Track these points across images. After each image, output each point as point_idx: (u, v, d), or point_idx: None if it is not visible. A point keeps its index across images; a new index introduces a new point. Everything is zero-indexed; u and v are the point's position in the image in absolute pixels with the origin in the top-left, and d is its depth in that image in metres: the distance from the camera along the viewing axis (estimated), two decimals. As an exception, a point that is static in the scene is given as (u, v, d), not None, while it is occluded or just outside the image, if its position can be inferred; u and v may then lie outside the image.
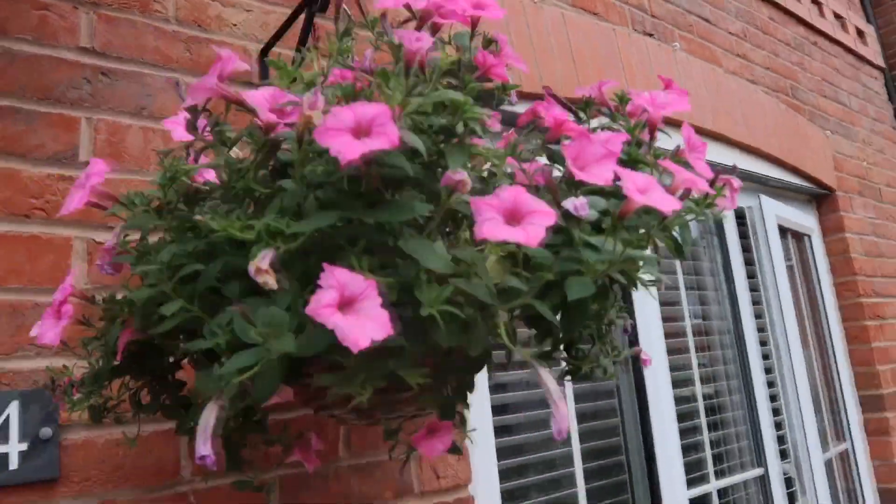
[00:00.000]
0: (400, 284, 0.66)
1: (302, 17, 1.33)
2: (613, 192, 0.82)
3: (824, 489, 2.68)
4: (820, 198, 3.36)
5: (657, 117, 0.96)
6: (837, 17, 3.91)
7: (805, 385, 2.80)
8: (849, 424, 3.07)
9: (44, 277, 1.12)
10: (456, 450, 0.95)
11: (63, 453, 1.08)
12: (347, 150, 0.63)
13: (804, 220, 3.17)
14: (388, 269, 0.68)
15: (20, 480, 1.03)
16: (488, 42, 1.02)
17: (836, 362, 3.13)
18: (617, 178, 0.71)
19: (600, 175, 0.74)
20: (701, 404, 2.46)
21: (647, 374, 2.14)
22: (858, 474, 3.01)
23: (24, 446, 1.04)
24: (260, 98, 0.80)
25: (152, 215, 0.82)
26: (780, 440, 2.71)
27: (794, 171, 3.05)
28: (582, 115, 1.06)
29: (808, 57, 3.50)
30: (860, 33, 4.11)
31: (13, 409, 1.05)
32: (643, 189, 0.72)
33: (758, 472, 2.60)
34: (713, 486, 2.37)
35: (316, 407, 0.96)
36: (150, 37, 1.33)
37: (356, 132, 0.66)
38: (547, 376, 0.72)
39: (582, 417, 2.04)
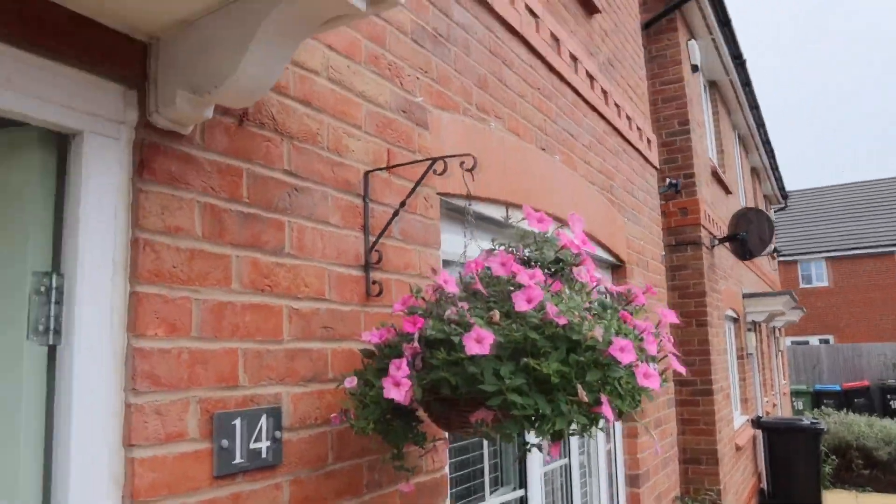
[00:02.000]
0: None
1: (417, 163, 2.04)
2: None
3: (604, 474, 3.91)
4: (615, 267, 4.65)
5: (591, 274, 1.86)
6: (638, 129, 5.29)
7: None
8: (614, 430, 4.38)
9: (271, 333, 1.72)
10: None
11: (283, 447, 1.70)
12: (469, 347, 1.43)
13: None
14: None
15: (266, 464, 1.65)
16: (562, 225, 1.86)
17: (612, 386, 4.43)
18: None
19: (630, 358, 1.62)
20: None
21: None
22: (616, 464, 4.33)
23: (268, 443, 1.66)
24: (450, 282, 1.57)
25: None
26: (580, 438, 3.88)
27: (608, 249, 4.27)
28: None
29: (621, 161, 4.79)
30: (649, 141, 5.57)
31: (264, 420, 1.65)
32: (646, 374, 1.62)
33: (564, 461, 3.74)
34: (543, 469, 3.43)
35: (457, 428, 1.73)
36: (316, 161, 1.95)
37: (478, 340, 1.46)
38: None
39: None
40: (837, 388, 17.39)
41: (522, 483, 3.09)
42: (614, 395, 1.44)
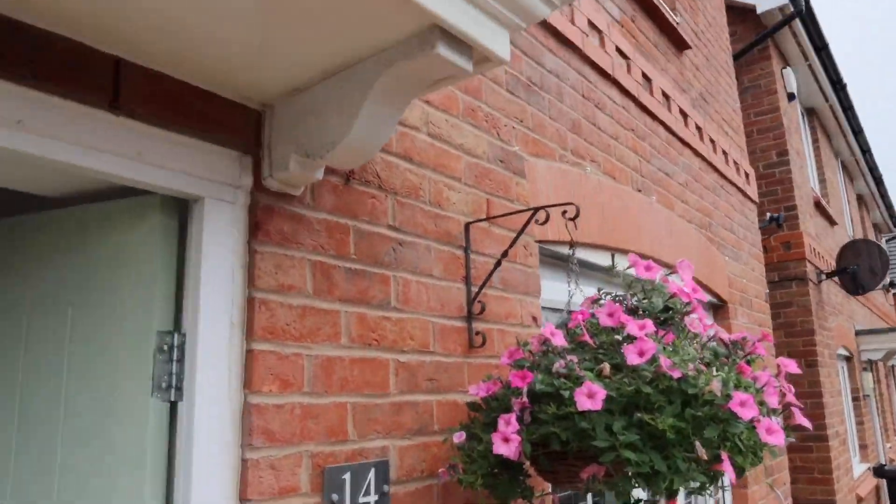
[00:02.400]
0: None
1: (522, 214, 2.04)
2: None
3: (714, 529, 3.69)
4: (717, 307, 4.46)
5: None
6: (735, 163, 5.12)
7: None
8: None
9: (378, 386, 1.74)
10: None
11: (391, 500, 1.70)
12: (581, 403, 1.38)
13: (708, 324, 4.24)
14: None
15: (373, 519, 1.65)
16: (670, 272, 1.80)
17: (719, 433, 4.21)
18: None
19: (751, 413, 1.54)
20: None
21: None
22: (727, 518, 4.09)
23: (376, 497, 1.66)
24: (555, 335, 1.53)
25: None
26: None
27: (709, 290, 4.11)
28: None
29: (718, 198, 4.63)
30: (747, 175, 5.37)
31: (372, 474, 1.66)
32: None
33: None
34: None
35: (564, 483, 1.68)
36: (419, 215, 1.98)
37: (589, 395, 1.40)
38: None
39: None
40: (969, 432, 15.84)
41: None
42: (735, 452, 1.36)
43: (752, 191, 5.47)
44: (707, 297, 4.03)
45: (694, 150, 4.32)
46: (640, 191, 3.43)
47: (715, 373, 1.43)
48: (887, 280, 7.77)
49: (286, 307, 1.56)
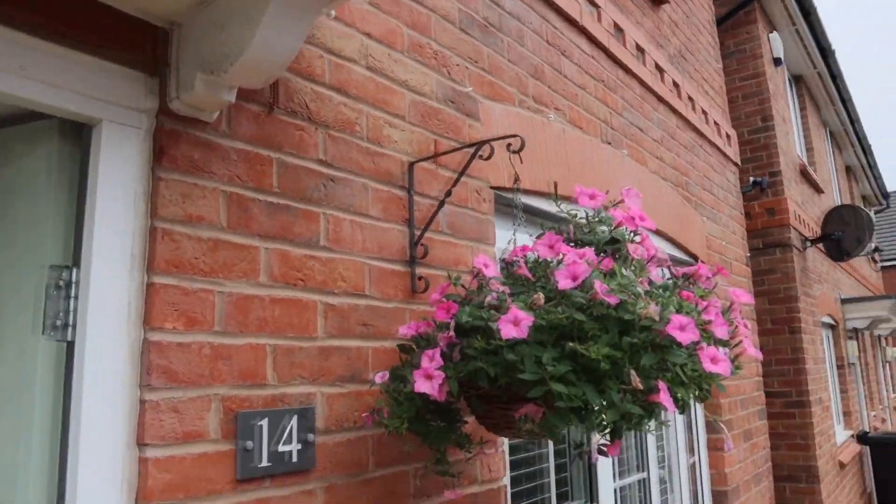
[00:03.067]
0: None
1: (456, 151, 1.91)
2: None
3: (687, 489, 3.62)
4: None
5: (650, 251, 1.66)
6: (716, 123, 4.99)
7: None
8: (698, 442, 4.08)
9: (303, 329, 1.63)
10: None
11: (316, 451, 1.60)
12: (506, 331, 1.26)
13: (684, 285, 4.15)
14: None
15: (296, 469, 1.54)
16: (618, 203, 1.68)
17: (694, 396, 4.13)
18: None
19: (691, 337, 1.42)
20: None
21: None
22: (701, 479, 4.03)
23: (298, 446, 1.55)
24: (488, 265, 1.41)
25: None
26: (659, 450, 3.62)
27: (683, 248, 4.00)
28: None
29: (696, 157, 4.51)
30: (728, 137, 5.24)
31: (294, 421, 1.55)
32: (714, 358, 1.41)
33: (642, 475, 3.48)
34: (616, 484, 3.20)
35: (503, 429, 1.57)
36: (354, 151, 1.85)
37: (514, 323, 1.28)
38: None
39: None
40: (954, 402, 15.94)
41: (593, 497, 2.87)
42: (675, 383, 1.25)
43: (734, 153, 5.34)
44: (676, 252, 3.92)
45: (670, 106, 4.18)
46: (609, 143, 3.30)
47: (655, 298, 1.32)
48: (871, 246, 7.70)
49: (194, 239, 1.44)
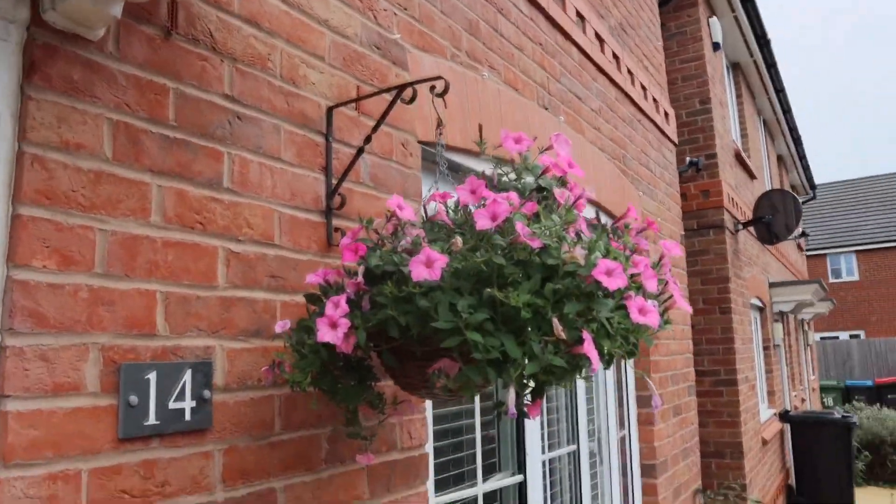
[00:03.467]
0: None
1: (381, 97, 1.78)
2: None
3: (616, 462, 3.62)
4: (629, 242, 4.34)
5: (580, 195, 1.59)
6: (655, 100, 4.98)
7: (612, 385, 3.73)
8: (629, 416, 4.08)
9: (202, 276, 1.48)
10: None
11: (214, 410, 1.46)
12: (417, 273, 1.16)
13: (618, 259, 4.13)
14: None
15: (190, 428, 1.40)
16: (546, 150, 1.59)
17: (625, 370, 4.13)
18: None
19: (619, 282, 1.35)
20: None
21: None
22: (631, 452, 4.04)
23: (193, 403, 1.41)
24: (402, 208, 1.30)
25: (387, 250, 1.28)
26: (590, 423, 3.60)
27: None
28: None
29: (634, 131, 4.49)
30: (666, 115, 5.25)
31: (188, 376, 1.41)
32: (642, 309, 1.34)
33: (572, 447, 3.46)
34: (546, 456, 3.15)
35: (419, 387, 1.47)
36: (265, 89, 1.70)
37: (427, 264, 1.18)
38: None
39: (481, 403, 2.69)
40: (870, 383, 16.76)
41: (521, 468, 2.82)
42: (601, 335, 1.16)
43: (672, 131, 5.37)
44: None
45: (610, 78, 4.14)
46: (546, 108, 3.22)
47: (580, 241, 1.23)
48: (799, 230, 7.92)
49: (72, 169, 1.27)
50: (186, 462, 1.39)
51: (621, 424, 4.05)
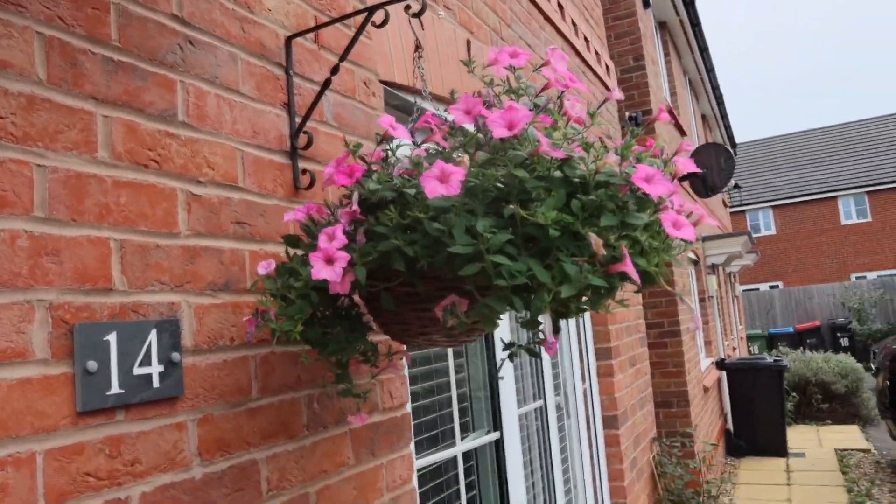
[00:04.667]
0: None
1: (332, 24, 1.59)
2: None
3: (582, 415, 3.58)
4: (581, 196, 4.29)
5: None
6: (596, 53, 4.91)
7: (575, 339, 3.68)
8: (589, 369, 4.06)
9: (160, 223, 1.28)
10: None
11: (184, 374, 1.27)
12: (431, 189, 1.02)
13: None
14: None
15: (160, 396, 1.21)
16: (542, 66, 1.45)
17: (584, 323, 4.09)
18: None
19: (661, 189, 1.24)
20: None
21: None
22: (593, 405, 4.02)
23: (161, 368, 1.22)
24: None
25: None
26: (554, 378, 3.54)
27: (573, 173, 3.90)
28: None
29: (580, 83, 4.40)
30: (607, 68, 5.20)
31: (153, 337, 1.22)
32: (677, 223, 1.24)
33: (539, 403, 3.39)
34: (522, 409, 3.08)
35: (416, 335, 1.32)
36: (217, 11, 1.49)
37: (441, 179, 1.04)
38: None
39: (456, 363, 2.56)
40: (791, 329, 17.65)
41: (497, 426, 2.72)
42: (636, 253, 1.04)
43: (613, 84, 5.32)
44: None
45: (556, 27, 4.02)
46: (501, 54, 3.07)
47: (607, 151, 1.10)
48: (732, 183, 8.10)
49: (-3, 92, 1.05)
50: (157, 436, 1.21)
51: (583, 378, 4.03)
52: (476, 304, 1.05)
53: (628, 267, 0.98)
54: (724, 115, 15.15)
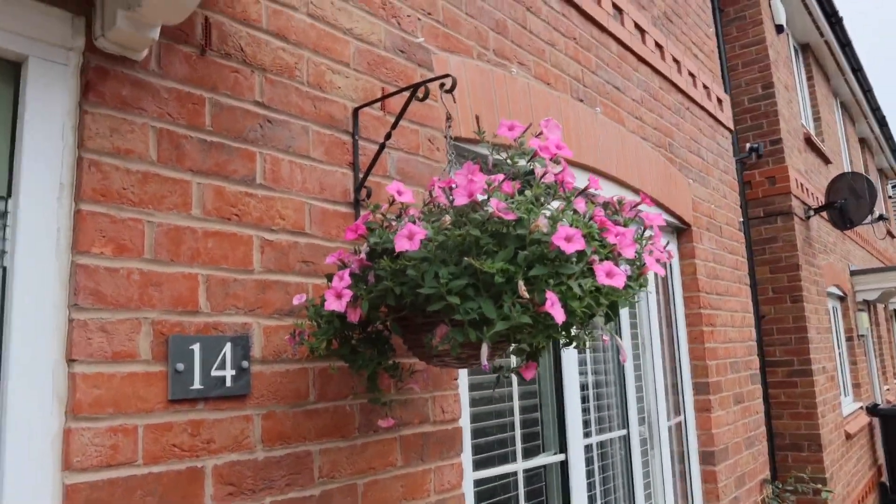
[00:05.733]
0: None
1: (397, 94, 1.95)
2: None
3: (667, 448, 3.65)
4: (680, 231, 4.36)
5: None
6: (705, 87, 4.96)
7: (661, 371, 3.77)
8: (684, 403, 4.09)
9: (239, 262, 1.68)
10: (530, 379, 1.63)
11: (252, 379, 1.66)
12: (399, 244, 1.30)
13: (671, 247, 4.15)
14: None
15: (231, 394, 1.60)
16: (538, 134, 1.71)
17: (679, 356, 4.14)
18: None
19: (577, 247, 1.46)
20: (590, 381, 3.32)
21: (564, 360, 2.95)
22: (687, 439, 4.04)
23: (233, 372, 1.61)
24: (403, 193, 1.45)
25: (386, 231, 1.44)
26: (640, 410, 3.65)
27: (667, 209, 4.01)
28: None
29: (682, 119, 4.50)
30: (720, 101, 5.21)
31: (228, 348, 1.61)
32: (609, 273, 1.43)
33: (622, 432, 3.52)
34: (594, 439, 3.23)
35: (431, 356, 1.62)
36: (293, 95, 1.90)
37: (409, 237, 1.32)
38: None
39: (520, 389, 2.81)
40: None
41: (563, 449, 2.92)
42: (571, 297, 1.28)
43: (726, 117, 5.31)
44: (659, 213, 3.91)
45: (653, 67, 4.17)
46: (581, 101, 3.31)
47: (545, 210, 1.35)
48: (875, 214, 7.58)
49: (122, 171, 1.50)
50: (229, 423, 1.60)
51: (676, 411, 4.07)
52: (446, 333, 1.34)
53: (549, 307, 1.23)
54: (888, 137, 13.97)
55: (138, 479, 1.42)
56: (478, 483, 2.51)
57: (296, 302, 1.59)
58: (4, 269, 1.40)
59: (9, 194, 1.43)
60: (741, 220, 5.28)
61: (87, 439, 1.36)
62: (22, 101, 1.45)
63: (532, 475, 2.87)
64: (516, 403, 2.74)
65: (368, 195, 2.01)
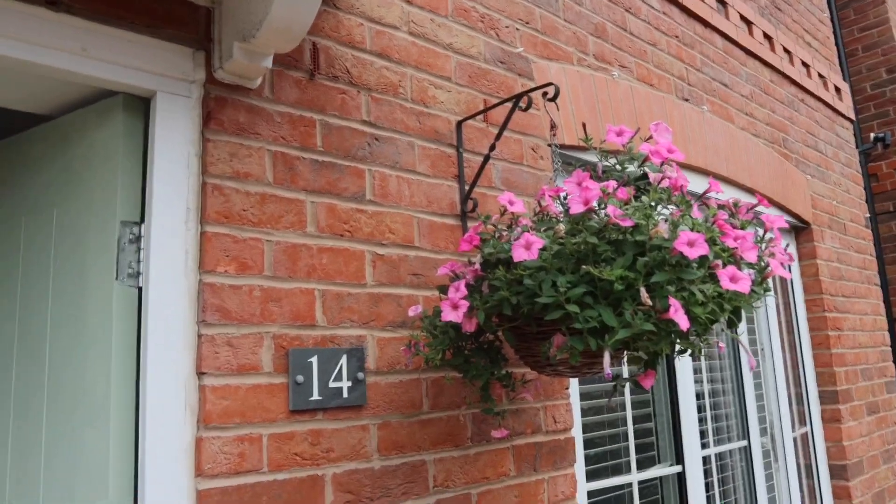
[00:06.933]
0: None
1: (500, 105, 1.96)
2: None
3: (792, 461, 3.44)
4: (798, 230, 4.11)
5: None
6: (820, 76, 4.67)
7: (782, 379, 3.56)
8: (810, 413, 3.85)
9: (352, 276, 1.74)
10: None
11: (367, 389, 1.70)
12: (517, 254, 1.27)
13: (790, 248, 3.92)
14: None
15: (348, 404, 1.65)
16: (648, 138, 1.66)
17: (803, 363, 3.90)
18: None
19: (701, 251, 1.39)
20: (706, 390, 3.18)
21: (678, 368, 2.84)
22: (815, 452, 3.79)
23: (349, 383, 1.66)
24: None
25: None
26: (761, 420, 3.46)
27: (783, 208, 3.79)
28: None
29: (796, 112, 4.25)
30: (837, 90, 4.89)
31: (344, 360, 1.66)
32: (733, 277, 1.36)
33: (742, 443, 3.34)
34: (711, 451, 3.09)
35: (544, 366, 1.60)
36: (398, 112, 1.95)
37: (526, 247, 1.30)
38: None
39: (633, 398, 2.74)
40: None
41: (680, 460, 2.81)
42: (693, 303, 1.23)
43: (846, 107, 4.97)
44: (784, 217, 3.71)
45: (762, 60, 3.98)
46: (686, 100, 3.20)
47: (665, 217, 1.31)
48: None
49: (242, 193, 1.58)
50: (346, 433, 1.64)
51: (801, 421, 3.83)
52: (564, 342, 1.32)
53: (672, 314, 1.18)
54: None
55: (264, 485, 1.49)
56: (591, 494, 2.46)
57: (411, 313, 1.62)
58: (140, 289, 1.52)
59: (142, 220, 1.55)
60: (867, 215, 4.92)
61: (217, 447, 1.44)
62: (151, 134, 1.56)
63: (646, 487, 2.78)
64: (629, 413, 2.66)
65: (475, 207, 2.02)
